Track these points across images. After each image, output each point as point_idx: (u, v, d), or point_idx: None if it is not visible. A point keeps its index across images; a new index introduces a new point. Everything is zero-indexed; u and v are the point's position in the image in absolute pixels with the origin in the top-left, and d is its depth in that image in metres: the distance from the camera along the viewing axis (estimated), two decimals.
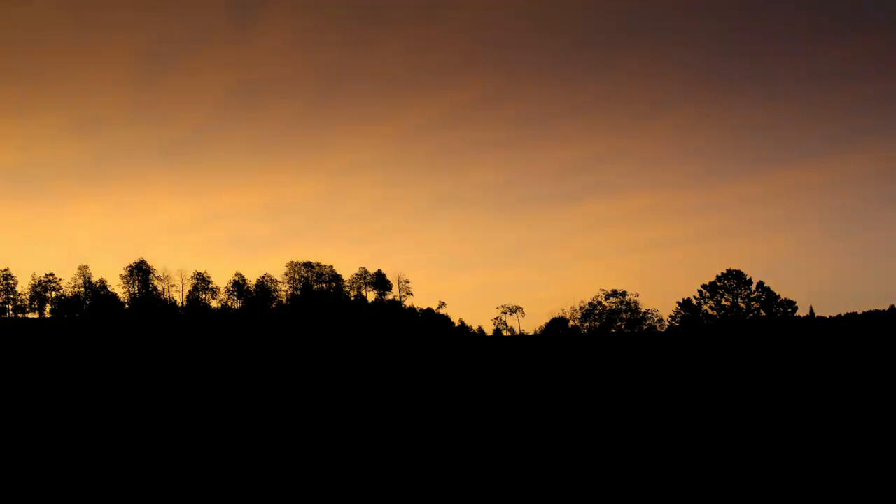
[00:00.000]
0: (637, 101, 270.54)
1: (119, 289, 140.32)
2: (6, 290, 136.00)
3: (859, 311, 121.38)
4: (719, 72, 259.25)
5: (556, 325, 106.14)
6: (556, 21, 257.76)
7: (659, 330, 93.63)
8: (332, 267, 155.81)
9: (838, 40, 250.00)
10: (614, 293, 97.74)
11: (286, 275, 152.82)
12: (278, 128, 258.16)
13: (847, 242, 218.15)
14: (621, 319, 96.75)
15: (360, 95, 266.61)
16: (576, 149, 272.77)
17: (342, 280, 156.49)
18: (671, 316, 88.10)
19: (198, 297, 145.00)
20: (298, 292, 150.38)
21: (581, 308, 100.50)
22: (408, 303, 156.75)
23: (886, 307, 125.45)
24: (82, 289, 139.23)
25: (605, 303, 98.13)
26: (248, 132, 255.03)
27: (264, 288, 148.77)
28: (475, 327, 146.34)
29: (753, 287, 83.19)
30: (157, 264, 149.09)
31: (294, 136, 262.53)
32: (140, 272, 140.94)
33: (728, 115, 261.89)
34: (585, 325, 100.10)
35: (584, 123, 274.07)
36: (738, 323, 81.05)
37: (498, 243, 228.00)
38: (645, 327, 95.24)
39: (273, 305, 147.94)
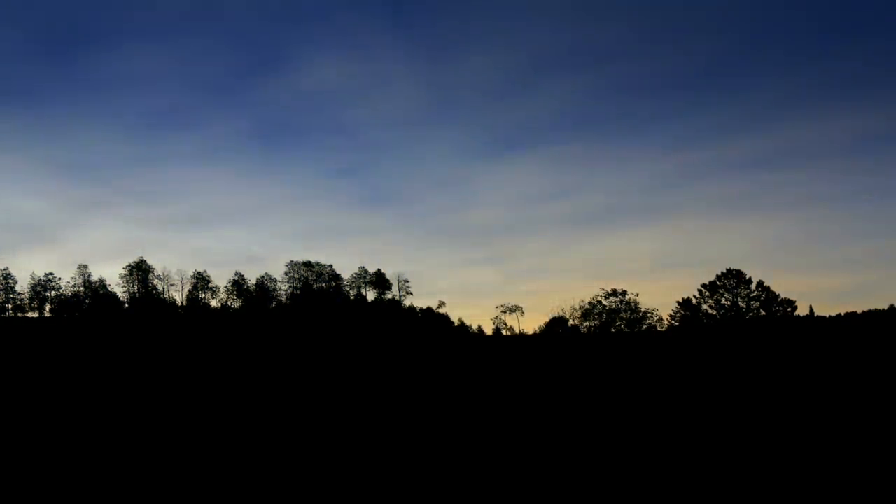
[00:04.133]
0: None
1: (119, 288, 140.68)
2: (6, 289, 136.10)
3: (859, 311, 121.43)
4: (710, 73, 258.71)
5: (556, 324, 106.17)
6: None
7: (659, 329, 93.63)
8: (331, 266, 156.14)
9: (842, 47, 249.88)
10: (614, 292, 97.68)
11: (286, 274, 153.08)
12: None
13: (847, 241, 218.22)
14: (621, 319, 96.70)
15: None
16: None
17: (342, 279, 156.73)
18: (671, 315, 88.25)
19: (197, 296, 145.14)
20: (298, 292, 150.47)
21: (581, 307, 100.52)
22: (407, 302, 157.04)
23: (886, 307, 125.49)
24: (82, 288, 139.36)
25: (604, 302, 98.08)
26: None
27: (264, 287, 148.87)
28: (475, 326, 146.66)
29: (753, 286, 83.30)
30: (157, 264, 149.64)
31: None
32: (140, 272, 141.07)
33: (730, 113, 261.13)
34: (585, 324, 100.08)
35: None
36: (737, 322, 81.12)
37: (497, 241, 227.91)
38: (644, 326, 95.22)
39: (273, 305, 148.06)
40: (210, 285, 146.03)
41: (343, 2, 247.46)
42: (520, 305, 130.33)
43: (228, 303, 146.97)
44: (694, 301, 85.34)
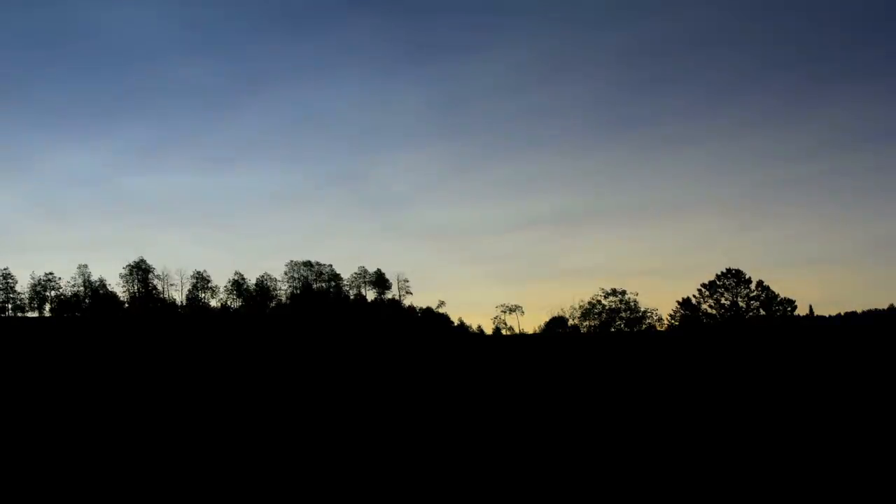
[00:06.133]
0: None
1: (119, 288, 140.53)
2: (6, 289, 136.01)
3: (859, 311, 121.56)
4: (707, 75, 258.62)
5: (556, 323, 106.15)
6: None
7: (658, 329, 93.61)
8: (331, 266, 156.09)
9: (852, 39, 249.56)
10: (613, 292, 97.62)
11: (286, 274, 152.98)
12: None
13: (847, 241, 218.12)
14: (621, 318, 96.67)
15: None
16: None
17: (342, 279, 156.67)
18: (671, 315, 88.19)
19: (197, 296, 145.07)
20: (298, 291, 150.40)
21: (580, 307, 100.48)
22: (407, 302, 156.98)
23: (886, 307, 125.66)
24: (82, 288, 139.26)
25: (604, 301, 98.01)
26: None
27: (264, 287, 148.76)
28: (475, 326, 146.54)
29: (753, 286, 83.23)
30: (157, 264, 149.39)
31: None
32: (139, 271, 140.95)
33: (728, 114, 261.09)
34: (585, 323, 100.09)
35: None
36: (737, 322, 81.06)
37: (497, 241, 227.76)
38: (644, 326, 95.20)
39: (273, 305, 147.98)
40: (210, 285, 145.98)
41: (340, 12, 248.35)
42: (520, 305, 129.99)
43: (228, 302, 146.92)
44: (694, 301, 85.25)
